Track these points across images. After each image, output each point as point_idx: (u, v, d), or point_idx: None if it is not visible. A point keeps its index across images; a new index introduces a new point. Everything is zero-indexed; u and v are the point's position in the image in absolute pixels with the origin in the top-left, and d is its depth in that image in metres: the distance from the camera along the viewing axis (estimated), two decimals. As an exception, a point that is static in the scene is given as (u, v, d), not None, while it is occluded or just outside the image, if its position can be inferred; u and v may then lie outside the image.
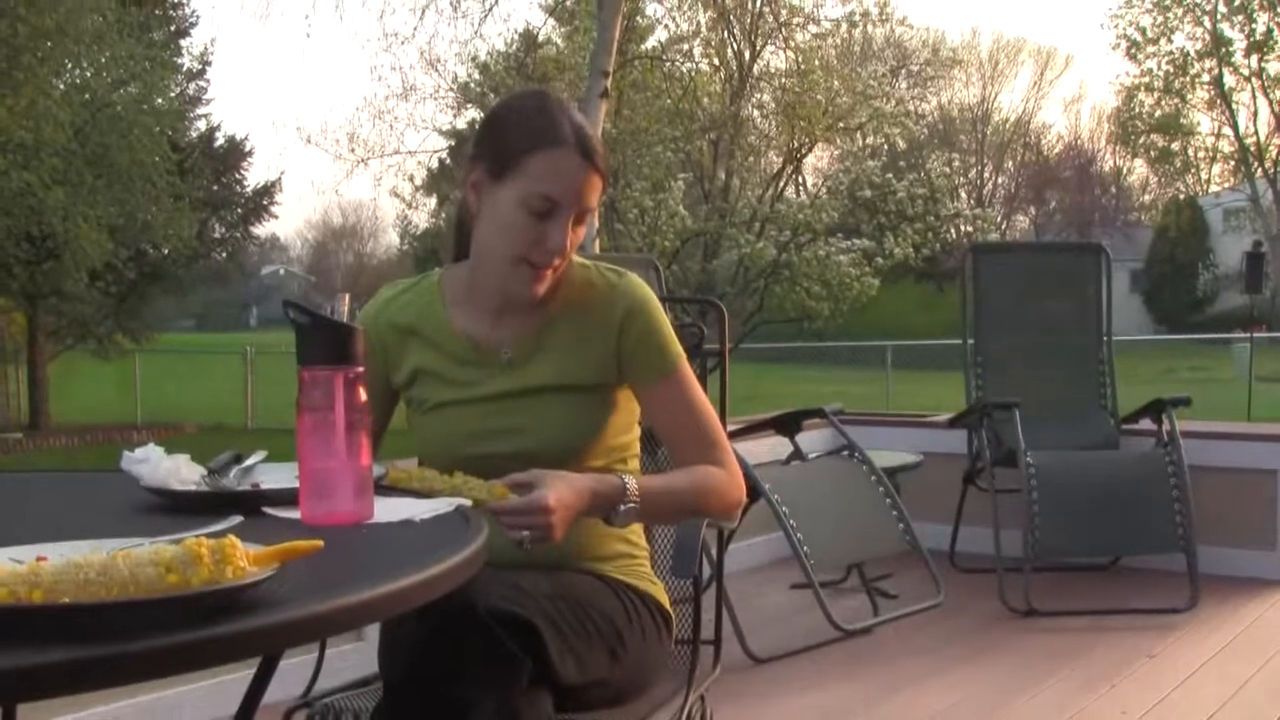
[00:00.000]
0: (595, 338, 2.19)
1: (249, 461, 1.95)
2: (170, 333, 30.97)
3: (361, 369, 1.67)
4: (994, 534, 5.33)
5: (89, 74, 19.92)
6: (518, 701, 1.84)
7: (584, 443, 2.19)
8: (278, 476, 1.87)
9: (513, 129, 2.11)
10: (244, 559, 1.21)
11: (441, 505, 1.69)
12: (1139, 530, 5.39)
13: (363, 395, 1.66)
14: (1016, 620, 5.13)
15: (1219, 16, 34.60)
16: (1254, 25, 34.01)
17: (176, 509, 1.75)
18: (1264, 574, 5.78)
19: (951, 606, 5.16)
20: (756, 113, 20.22)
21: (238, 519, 1.58)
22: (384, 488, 1.80)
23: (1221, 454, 5.90)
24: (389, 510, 1.66)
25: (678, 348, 2.22)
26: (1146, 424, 5.77)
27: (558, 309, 2.20)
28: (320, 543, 1.28)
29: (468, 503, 1.73)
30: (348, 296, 1.78)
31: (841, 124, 18.89)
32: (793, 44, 19.04)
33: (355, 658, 3.10)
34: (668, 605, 2.30)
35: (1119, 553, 5.94)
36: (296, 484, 1.66)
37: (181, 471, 1.85)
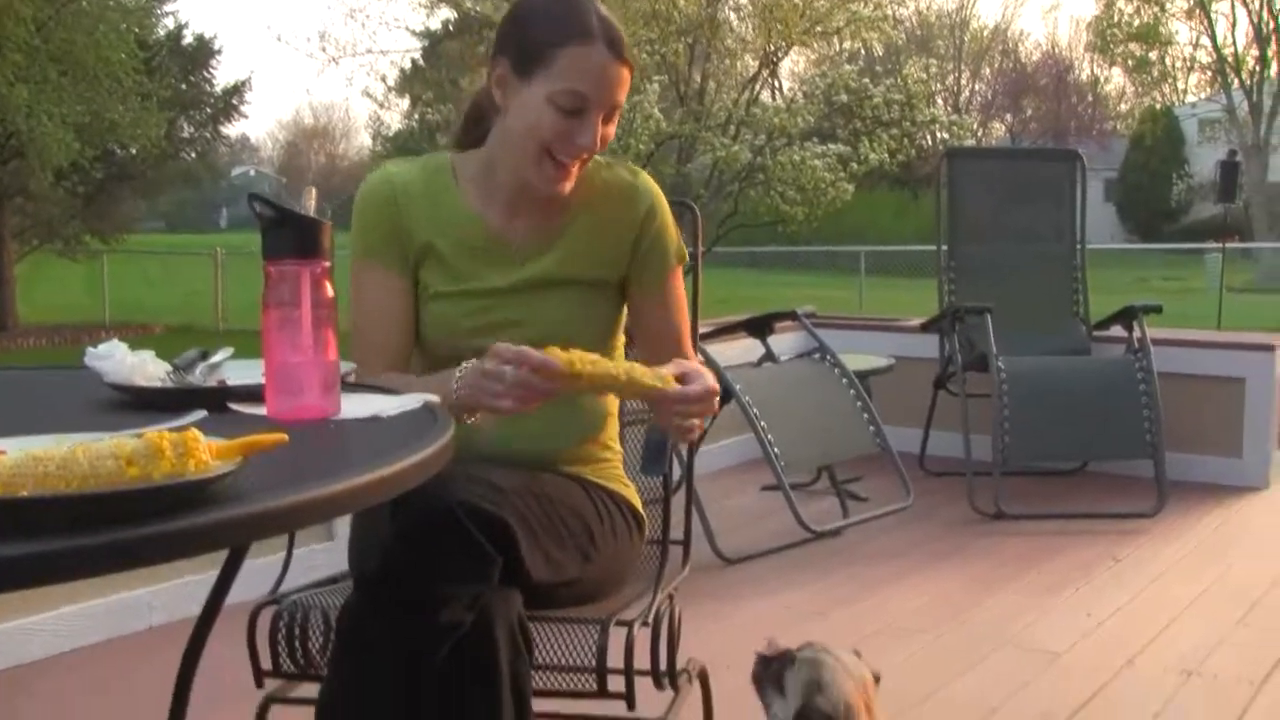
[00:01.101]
0: (615, 233, 2.19)
1: (215, 358, 1.92)
2: (139, 233, 30.68)
3: (328, 263, 1.64)
4: (964, 438, 5.35)
5: (52, -33, 19.54)
6: (489, 598, 1.84)
7: (584, 339, 2.17)
8: (245, 373, 1.84)
9: (538, 23, 2.06)
10: (206, 452, 1.20)
11: (410, 401, 1.67)
12: (1108, 436, 5.42)
13: (329, 290, 1.63)
14: (985, 524, 5.17)
15: (1200, -76, 34.36)
16: (1236, -65, 33.77)
17: (140, 405, 1.72)
18: (1230, 480, 5.83)
19: (921, 510, 5.20)
20: (733, 15, 19.99)
21: (202, 414, 1.56)
22: (351, 385, 1.79)
23: (1191, 361, 5.93)
24: (357, 406, 1.65)
25: (682, 247, 2.26)
26: (1118, 331, 5.79)
27: (577, 204, 2.18)
28: (284, 436, 1.27)
29: (435, 399, 1.71)
30: (314, 190, 1.75)
31: (819, 28, 18.68)
32: (770, -55, 18.81)
33: (325, 557, 3.11)
34: (640, 507, 2.31)
35: (1088, 458, 5.98)
36: (263, 380, 1.64)
37: (146, 368, 1.82)
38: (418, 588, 1.81)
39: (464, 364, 1.91)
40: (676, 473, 2.54)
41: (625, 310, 2.29)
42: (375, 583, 1.86)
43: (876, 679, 1.85)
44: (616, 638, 2.03)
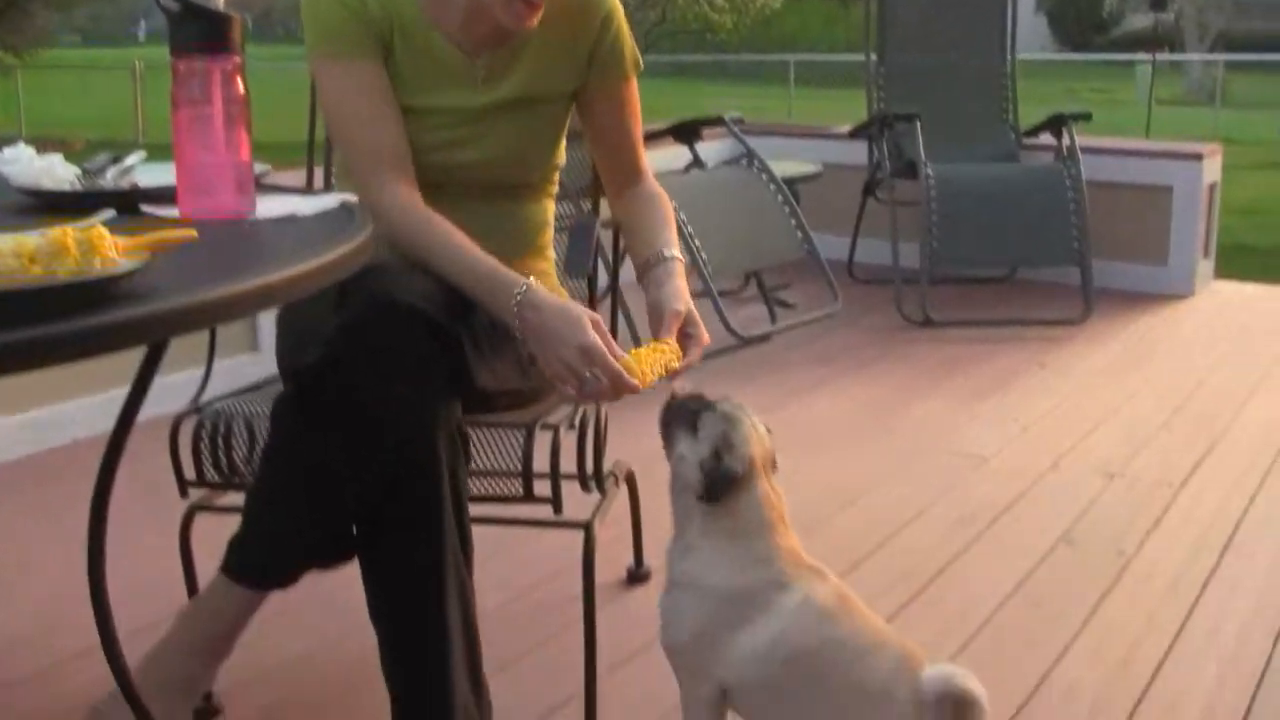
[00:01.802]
0: (574, 44, 2.14)
1: (127, 161, 1.87)
2: (55, 48, 29.81)
3: (239, 59, 1.58)
4: (892, 245, 5.37)
5: None
6: (432, 400, 1.83)
7: (538, 153, 2.19)
8: (158, 175, 1.79)
9: None
10: (113, 249, 1.16)
11: (327, 200, 1.63)
12: (1036, 243, 5.44)
13: (241, 87, 1.58)
14: (913, 330, 5.21)
15: None
16: None
17: (48, 208, 1.67)
18: (1155, 288, 5.90)
19: (848, 317, 5.21)
20: None
21: (110, 214, 1.51)
22: (266, 186, 1.74)
23: (1119, 170, 5.94)
24: (272, 206, 1.61)
25: (638, 54, 2.22)
26: (1047, 139, 5.78)
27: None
28: (193, 232, 1.23)
29: (353, 199, 1.67)
30: (223, -18, 1.68)
31: None
32: None
33: (251, 369, 3.06)
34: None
35: (1015, 265, 6.02)
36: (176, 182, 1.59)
37: (55, 170, 1.77)
38: (359, 381, 1.79)
39: (523, 283, 1.88)
40: (605, 280, 2.53)
41: (570, 117, 2.24)
42: (312, 375, 1.84)
43: (774, 463, 1.87)
44: (543, 442, 2.03)
